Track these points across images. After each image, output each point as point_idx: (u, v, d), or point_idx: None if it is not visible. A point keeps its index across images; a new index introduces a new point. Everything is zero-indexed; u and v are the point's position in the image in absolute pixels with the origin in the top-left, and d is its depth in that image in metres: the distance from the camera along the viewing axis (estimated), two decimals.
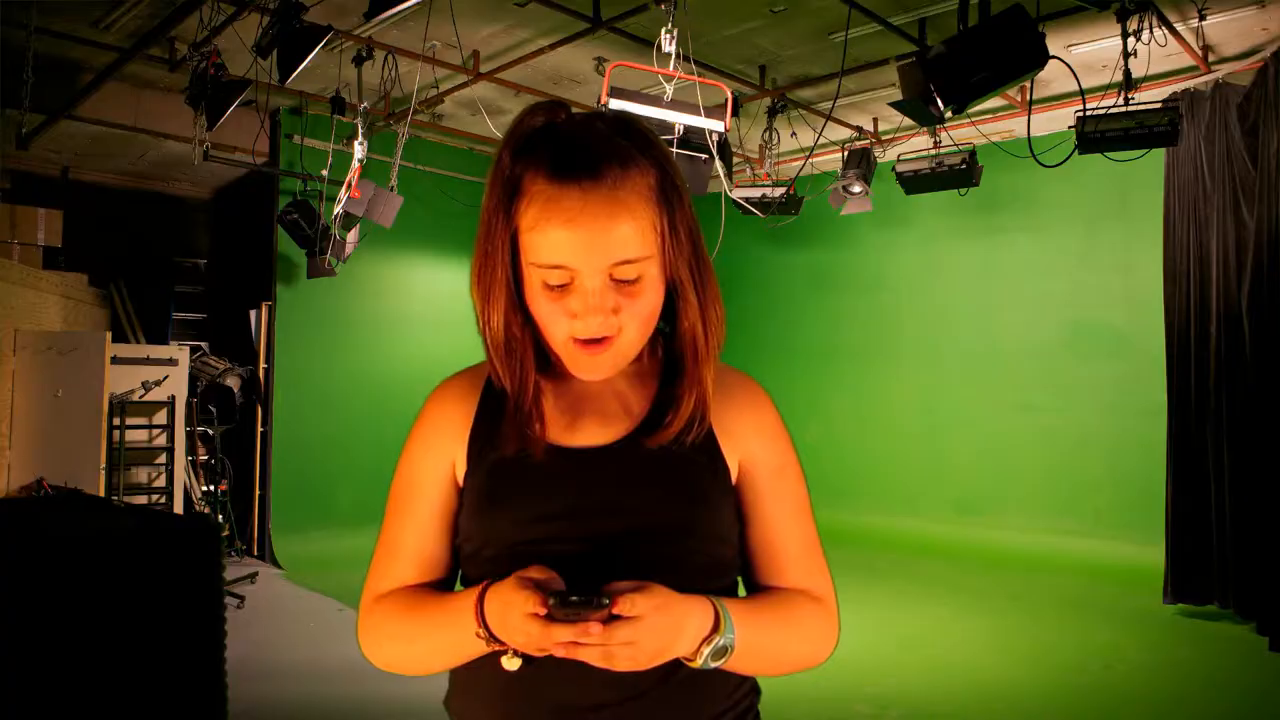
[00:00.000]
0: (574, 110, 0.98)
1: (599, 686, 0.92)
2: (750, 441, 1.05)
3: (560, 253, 0.91)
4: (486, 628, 0.90)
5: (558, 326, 0.96)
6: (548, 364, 1.04)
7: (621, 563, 0.91)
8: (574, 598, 0.83)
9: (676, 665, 0.92)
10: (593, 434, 1.02)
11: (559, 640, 0.83)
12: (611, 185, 0.91)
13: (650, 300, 0.96)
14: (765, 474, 1.05)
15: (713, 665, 0.92)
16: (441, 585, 1.05)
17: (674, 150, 4.29)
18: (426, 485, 1.05)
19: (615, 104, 4.22)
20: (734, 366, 1.12)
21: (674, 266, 0.97)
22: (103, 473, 5.77)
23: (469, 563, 1.03)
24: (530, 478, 0.99)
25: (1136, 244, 6.47)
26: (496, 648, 0.91)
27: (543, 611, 0.83)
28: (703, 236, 1.01)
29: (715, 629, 0.91)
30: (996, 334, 7.42)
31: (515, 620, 0.85)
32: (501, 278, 0.97)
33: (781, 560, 1.04)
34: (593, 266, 0.91)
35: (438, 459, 1.05)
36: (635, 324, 0.96)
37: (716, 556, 1.01)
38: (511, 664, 0.90)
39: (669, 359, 1.05)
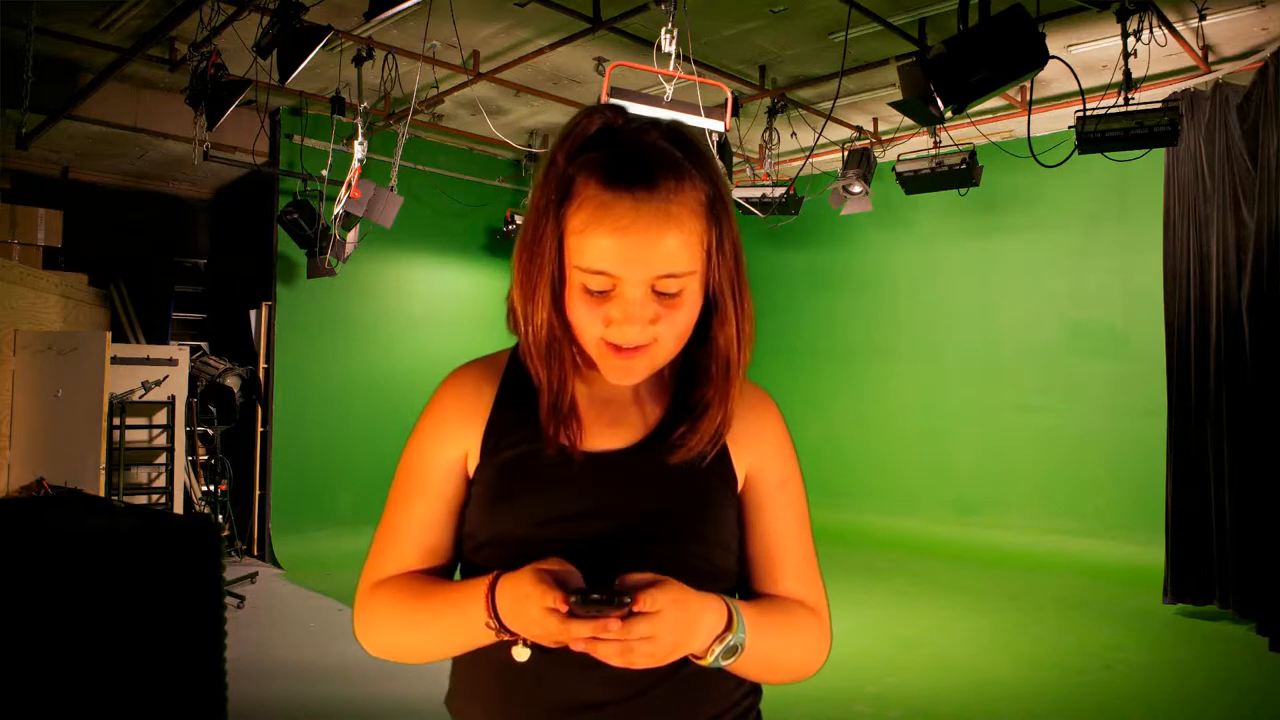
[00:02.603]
0: (631, 116, 0.98)
1: (600, 685, 0.92)
2: (758, 451, 1.06)
3: (606, 260, 0.91)
4: (497, 618, 0.90)
5: (592, 329, 0.95)
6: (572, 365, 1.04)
7: (627, 566, 0.91)
8: (595, 595, 0.83)
9: (679, 664, 0.92)
10: (606, 438, 1.02)
11: (577, 635, 0.83)
12: (665, 198, 0.90)
13: (688, 313, 0.96)
14: (770, 485, 1.06)
15: (722, 664, 0.92)
16: (442, 573, 1.04)
17: None
18: (436, 473, 1.04)
19: (615, 104, 4.22)
20: None
21: (716, 282, 0.97)
22: (103, 473, 5.76)
23: (474, 554, 1.02)
24: (541, 477, 0.99)
25: (1136, 244, 6.47)
26: (506, 638, 0.91)
27: (564, 608, 0.83)
28: (743, 251, 1.00)
29: (728, 627, 0.92)
30: (996, 334, 7.42)
31: (533, 613, 0.85)
32: (547, 276, 0.96)
33: (780, 570, 1.05)
34: (636, 277, 0.91)
35: (450, 448, 1.04)
36: (671, 335, 0.96)
37: (719, 563, 1.01)
38: (522, 655, 0.90)
39: (688, 369, 1.04)
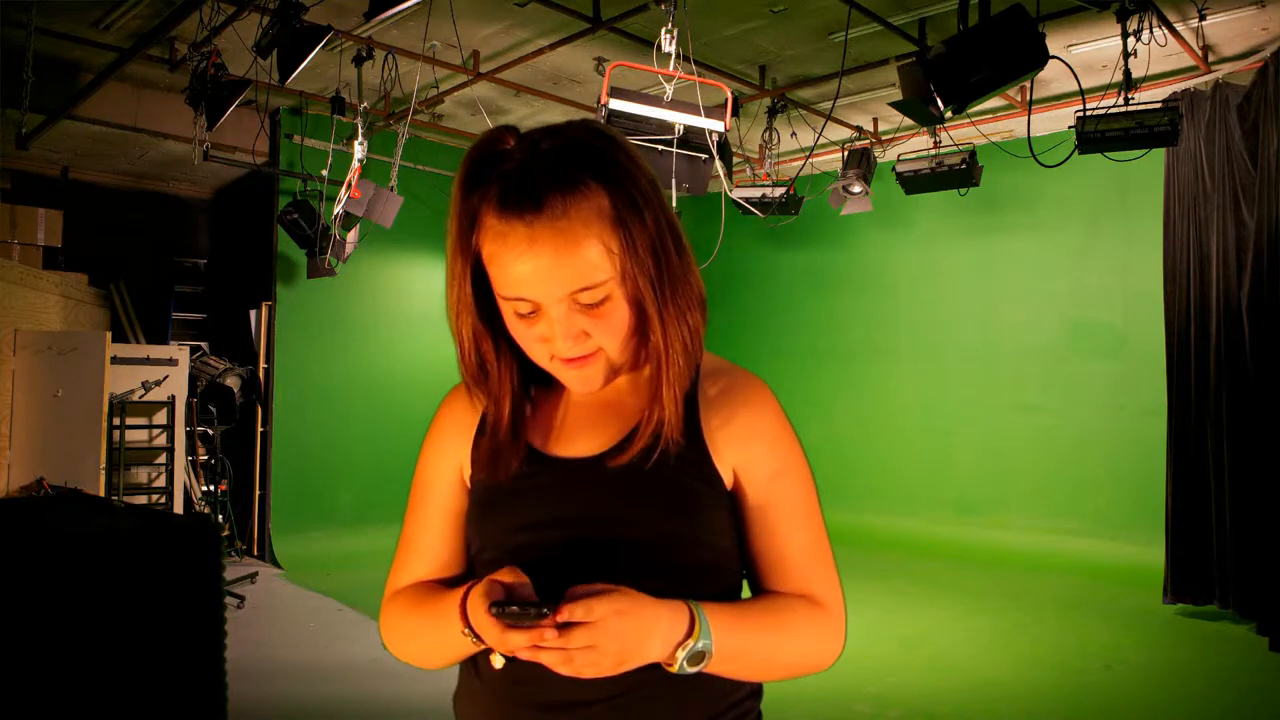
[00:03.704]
0: (524, 130, 0.96)
1: (594, 683, 0.92)
2: (746, 447, 1.03)
3: (519, 286, 0.92)
4: (471, 627, 0.92)
5: (535, 350, 0.98)
6: (540, 375, 1.04)
7: (606, 570, 0.91)
8: (513, 607, 0.84)
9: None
10: (582, 445, 1.03)
11: (514, 646, 0.85)
12: (554, 217, 0.89)
13: (619, 318, 0.96)
14: (762, 479, 1.03)
15: (690, 670, 0.91)
16: (458, 582, 1.06)
17: (674, 150, 4.28)
18: (437, 486, 1.09)
19: (615, 104, 4.22)
20: (738, 365, 1.10)
21: (635, 285, 0.95)
22: (103, 473, 5.76)
23: (474, 563, 1.05)
24: (520, 486, 1.01)
25: (1136, 244, 6.47)
26: (483, 646, 0.93)
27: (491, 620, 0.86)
28: (674, 247, 0.97)
29: (690, 633, 0.91)
30: (996, 334, 7.42)
31: (479, 623, 0.88)
32: (467, 304, 0.99)
33: (783, 565, 1.03)
34: (552, 297, 0.92)
35: (447, 461, 1.08)
36: (611, 340, 0.96)
37: (705, 562, 1.00)
38: (497, 662, 0.93)
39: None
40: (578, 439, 1.04)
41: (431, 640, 1.00)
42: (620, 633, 0.85)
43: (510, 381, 1.03)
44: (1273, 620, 4.71)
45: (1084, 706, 4.01)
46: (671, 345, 0.98)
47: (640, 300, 0.96)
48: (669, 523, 0.98)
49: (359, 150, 5.81)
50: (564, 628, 0.84)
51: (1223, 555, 5.20)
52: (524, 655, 0.86)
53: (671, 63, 4.25)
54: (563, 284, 0.91)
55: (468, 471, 1.06)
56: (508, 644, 0.85)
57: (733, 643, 0.93)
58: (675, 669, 0.91)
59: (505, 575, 0.90)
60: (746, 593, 1.07)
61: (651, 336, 0.98)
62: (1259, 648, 4.70)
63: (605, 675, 0.87)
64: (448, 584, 1.06)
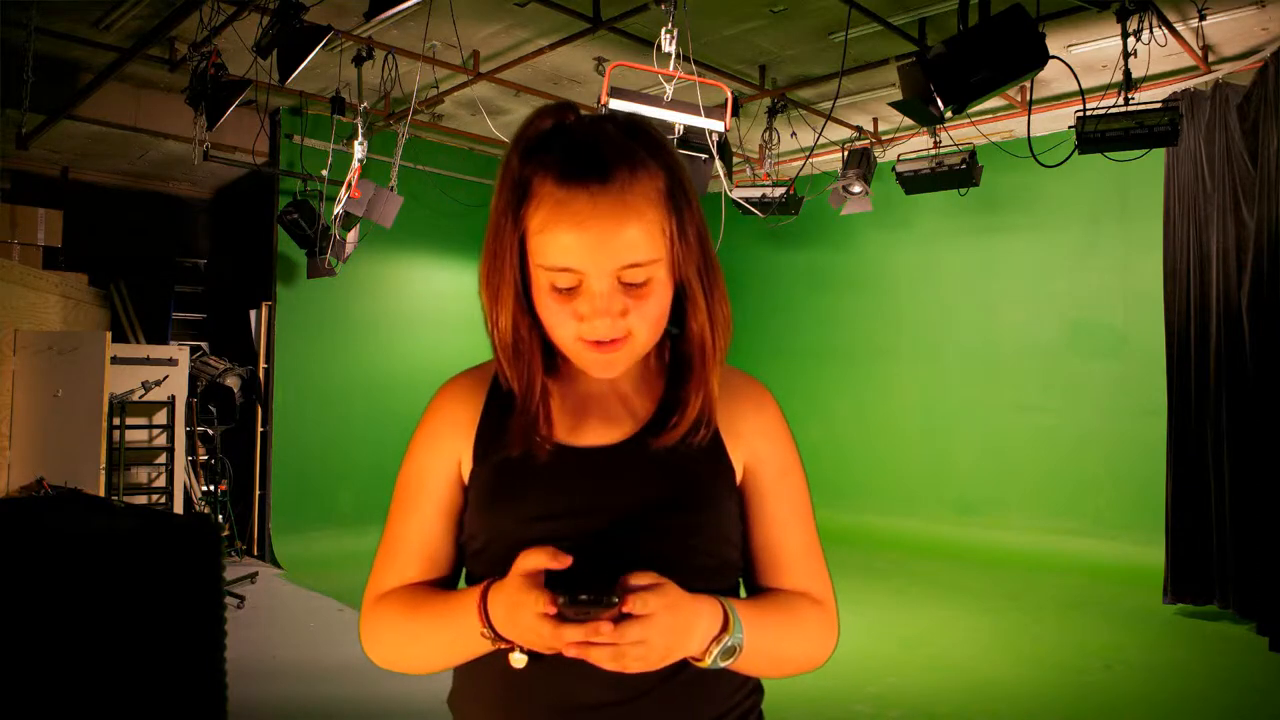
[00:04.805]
0: (583, 112, 0.98)
1: (601, 686, 0.92)
2: (755, 443, 1.05)
3: (568, 255, 0.91)
4: (491, 626, 0.90)
5: (565, 329, 0.95)
6: (554, 364, 1.04)
7: (626, 563, 0.90)
8: (584, 596, 0.82)
9: (680, 665, 0.92)
10: (599, 434, 1.02)
11: (570, 640, 0.83)
12: (620, 189, 0.91)
13: (658, 303, 0.96)
14: (769, 476, 1.05)
15: (721, 665, 0.92)
16: (445, 583, 1.05)
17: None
18: (432, 483, 1.05)
19: (615, 104, 4.22)
20: (737, 368, 1.12)
21: (682, 269, 0.97)
22: (103, 473, 5.76)
23: (474, 560, 1.03)
24: (535, 477, 0.99)
25: (1136, 243, 6.47)
26: (502, 646, 0.91)
27: (553, 611, 0.83)
28: (711, 238, 1.01)
29: (724, 629, 0.91)
30: (996, 334, 7.42)
31: (525, 620, 0.85)
32: (510, 279, 0.97)
33: (783, 562, 1.05)
34: (601, 269, 0.91)
35: (443, 457, 1.05)
36: (644, 326, 0.96)
37: (720, 557, 1.01)
38: (519, 662, 0.90)
39: (675, 361, 1.05)
40: (588, 429, 1.03)
41: (435, 642, 0.98)
42: (669, 628, 0.85)
43: (540, 362, 1.02)
44: (1273, 620, 4.71)
45: (1084, 706, 4.01)
46: (717, 332, 1.02)
47: (683, 284, 0.99)
48: (693, 515, 0.99)
49: (359, 150, 5.81)
50: (618, 621, 0.83)
51: (1223, 555, 5.20)
52: (571, 651, 0.84)
53: (671, 63, 4.25)
54: (615, 256, 0.91)
55: (466, 468, 1.04)
56: (562, 639, 0.83)
57: (757, 638, 0.94)
58: (707, 664, 0.91)
59: (539, 558, 0.87)
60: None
61: (695, 323, 1.01)
62: (1259, 648, 4.70)
63: (648, 670, 0.86)
64: (437, 585, 1.04)
